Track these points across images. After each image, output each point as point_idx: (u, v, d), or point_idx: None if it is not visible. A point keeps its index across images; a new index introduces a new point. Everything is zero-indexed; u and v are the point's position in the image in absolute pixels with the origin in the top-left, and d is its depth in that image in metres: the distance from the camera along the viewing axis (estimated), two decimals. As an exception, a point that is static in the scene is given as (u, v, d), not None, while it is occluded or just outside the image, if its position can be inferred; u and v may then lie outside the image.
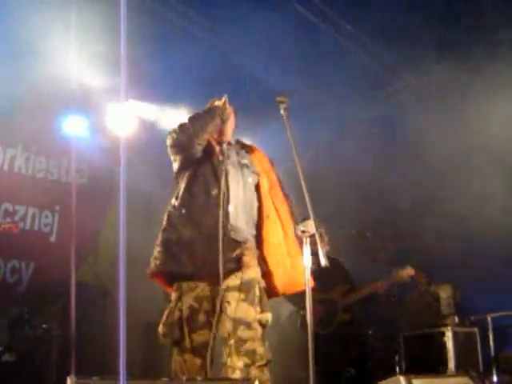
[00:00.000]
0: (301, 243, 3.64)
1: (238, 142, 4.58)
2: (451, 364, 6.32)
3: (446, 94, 8.51)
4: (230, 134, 4.48)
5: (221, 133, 4.42)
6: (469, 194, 7.79)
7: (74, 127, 7.98)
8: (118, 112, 7.98)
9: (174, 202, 4.21)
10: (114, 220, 8.17)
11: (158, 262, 4.09)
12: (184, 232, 4.07)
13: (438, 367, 6.33)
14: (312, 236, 3.50)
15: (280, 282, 4.17)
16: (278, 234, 4.20)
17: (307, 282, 3.53)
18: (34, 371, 6.20)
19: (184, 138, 4.19)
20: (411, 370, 6.31)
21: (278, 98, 3.97)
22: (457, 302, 7.48)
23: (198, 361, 3.95)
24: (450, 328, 6.61)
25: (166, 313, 4.09)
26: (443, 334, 6.55)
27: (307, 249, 3.50)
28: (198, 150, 4.20)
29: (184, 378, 2.82)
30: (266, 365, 3.89)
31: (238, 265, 4.06)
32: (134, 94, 7.93)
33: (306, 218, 3.64)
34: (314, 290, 6.21)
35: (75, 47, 6.84)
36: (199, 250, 4.01)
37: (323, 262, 3.39)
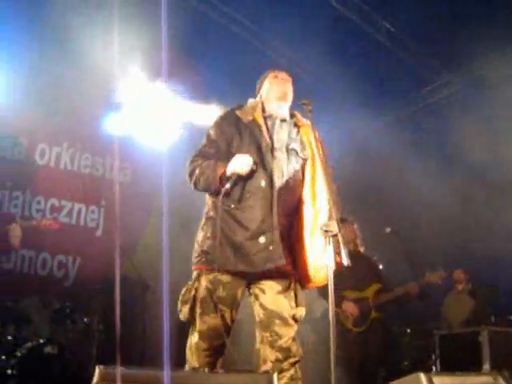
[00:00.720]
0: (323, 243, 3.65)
1: (292, 116, 4.24)
2: (486, 364, 6.29)
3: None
4: (285, 107, 4.21)
5: (278, 101, 4.20)
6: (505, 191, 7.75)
7: (117, 125, 8.17)
8: (160, 110, 8.11)
9: (221, 196, 3.93)
10: (156, 217, 8.30)
11: (210, 258, 3.92)
12: (235, 229, 3.91)
13: (473, 367, 6.30)
14: (335, 236, 3.54)
15: (305, 273, 3.98)
16: (308, 221, 3.96)
17: (330, 281, 3.55)
18: (75, 364, 6.34)
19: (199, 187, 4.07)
20: (446, 370, 6.31)
21: (302, 102, 3.97)
22: (493, 302, 7.44)
23: (204, 345, 3.90)
24: (486, 327, 6.58)
25: (183, 290, 4.04)
26: (479, 333, 6.52)
27: (330, 248, 3.54)
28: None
29: (206, 369, 2.89)
30: (298, 361, 3.88)
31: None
32: (176, 92, 8.05)
33: (329, 218, 3.69)
34: (348, 288, 6.39)
35: (118, 45, 6.96)
36: (250, 247, 3.86)
37: (345, 261, 3.43)
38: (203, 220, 4.12)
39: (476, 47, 7.59)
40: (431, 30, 7.72)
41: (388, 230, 6.81)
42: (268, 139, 4.05)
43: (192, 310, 3.95)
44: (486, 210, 8.09)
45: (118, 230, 7.40)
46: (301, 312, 3.99)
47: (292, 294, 3.99)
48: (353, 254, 5.68)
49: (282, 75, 4.34)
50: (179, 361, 4.11)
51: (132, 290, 7.48)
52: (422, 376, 3.40)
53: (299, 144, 4.14)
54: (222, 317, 3.93)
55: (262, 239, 3.87)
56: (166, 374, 2.83)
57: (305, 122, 4.20)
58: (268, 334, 3.88)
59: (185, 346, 4.04)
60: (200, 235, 4.07)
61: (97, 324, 6.85)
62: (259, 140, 4.03)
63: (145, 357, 6.99)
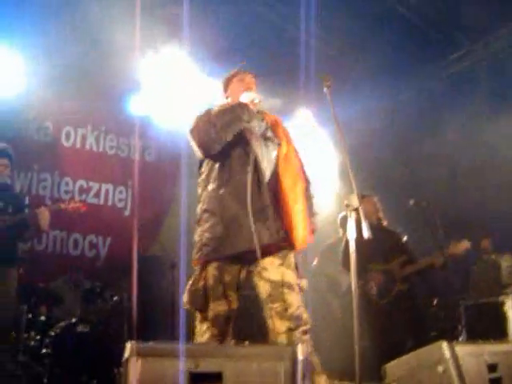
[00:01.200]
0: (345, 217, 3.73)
1: (259, 112, 4.41)
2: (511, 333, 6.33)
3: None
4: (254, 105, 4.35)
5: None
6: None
7: (140, 106, 8.25)
8: (182, 88, 8.16)
9: (211, 186, 4.16)
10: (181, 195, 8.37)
11: (209, 249, 4.03)
12: (227, 212, 4.03)
13: (498, 336, 6.32)
14: (356, 209, 3.60)
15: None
16: (288, 193, 4.12)
17: (352, 254, 3.62)
18: (107, 341, 6.44)
19: (205, 138, 4.10)
20: (472, 339, 6.34)
21: (322, 77, 4.02)
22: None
23: (216, 331, 3.99)
24: (510, 297, 6.59)
25: (190, 281, 4.13)
26: (504, 303, 6.54)
27: (351, 222, 3.61)
28: (217, 149, 4.12)
29: (232, 341, 2.98)
30: (309, 330, 3.94)
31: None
32: (202, 71, 8.10)
33: (349, 192, 3.74)
34: (373, 261, 6.42)
35: (139, 24, 7.01)
36: (245, 227, 3.97)
37: (366, 234, 3.49)
38: (198, 215, 4.21)
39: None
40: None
41: (412, 201, 6.80)
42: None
43: (203, 298, 4.04)
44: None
45: (136, 211, 7.53)
46: (304, 283, 4.10)
47: (293, 266, 4.10)
48: (376, 228, 5.76)
49: (248, 77, 4.49)
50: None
51: (160, 267, 7.59)
52: (445, 344, 3.46)
53: (270, 132, 4.33)
54: (231, 302, 4.06)
55: (257, 217, 3.97)
56: (183, 347, 2.92)
57: (271, 114, 4.46)
58: (278, 305, 3.94)
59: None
60: (198, 230, 4.15)
61: (127, 301, 6.98)
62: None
63: (174, 331, 7.10)
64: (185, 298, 4.12)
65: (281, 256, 4.07)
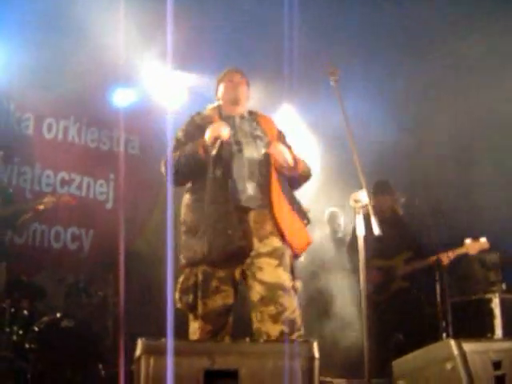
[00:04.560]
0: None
1: (251, 113, 4.50)
2: (498, 330, 6.36)
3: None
4: (241, 109, 4.46)
5: (233, 106, 4.44)
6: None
7: (123, 98, 8.17)
8: (165, 83, 8.10)
9: (187, 196, 4.24)
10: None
11: (190, 257, 4.08)
12: (200, 221, 4.05)
13: (485, 334, 6.37)
14: (365, 206, 3.59)
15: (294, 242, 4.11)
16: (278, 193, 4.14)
17: (360, 251, 3.61)
18: (91, 336, 6.41)
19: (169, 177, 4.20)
20: (458, 336, 6.37)
21: (329, 70, 4.03)
22: (504, 269, 7.47)
23: (209, 327, 3.96)
24: (497, 295, 6.63)
25: (180, 279, 4.12)
26: (491, 300, 6.58)
27: (360, 219, 3.60)
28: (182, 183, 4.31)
29: (247, 339, 2.95)
30: (302, 335, 3.90)
31: (252, 237, 4.04)
32: (181, 65, 8.03)
33: (359, 189, 3.73)
34: (375, 256, 6.39)
35: (123, 17, 6.94)
36: (218, 235, 3.96)
37: (376, 231, 3.48)
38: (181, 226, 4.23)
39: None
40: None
41: (403, 199, 6.83)
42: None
43: (195, 295, 4.01)
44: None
45: (121, 204, 7.47)
46: (298, 284, 4.06)
47: (289, 267, 4.05)
48: (387, 222, 5.69)
49: (237, 78, 4.53)
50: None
51: (145, 262, 7.53)
52: (452, 342, 3.48)
53: (261, 132, 4.34)
54: (225, 297, 4.02)
55: (220, 224, 3.95)
56: (199, 344, 2.87)
57: (264, 115, 4.54)
58: (272, 308, 3.87)
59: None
60: (182, 239, 4.18)
61: (112, 296, 6.91)
62: None
63: (160, 326, 7.04)
64: (176, 296, 4.09)
65: (278, 257, 4.01)
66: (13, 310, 6.27)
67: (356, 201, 3.62)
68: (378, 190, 6.78)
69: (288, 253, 4.07)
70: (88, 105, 8.43)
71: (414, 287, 6.83)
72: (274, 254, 4.00)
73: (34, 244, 7.85)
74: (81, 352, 6.15)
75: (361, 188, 3.66)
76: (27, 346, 6.02)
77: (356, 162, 3.69)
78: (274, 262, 3.98)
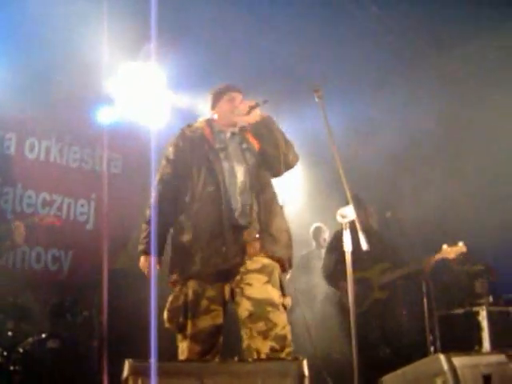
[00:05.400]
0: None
1: (242, 129, 4.44)
2: (486, 343, 6.36)
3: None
4: (235, 122, 4.42)
5: (228, 126, 4.43)
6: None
7: (106, 116, 8.12)
8: (151, 101, 8.08)
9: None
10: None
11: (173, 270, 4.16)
12: (188, 236, 4.10)
13: (472, 347, 6.36)
14: (352, 222, 3.59)
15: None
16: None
17: (348, 265, 3.60)
18: (77, 357, 6.34)
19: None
20: (446, 350, 6.36)
21: (314, 89, 4.03)
22: (491, 281, 7.47)
23: (198, 348, 3.94)
24: (484, 307, 6.63)
25: (170, 298, 4.12)
26: (478, 313, 6.58)
27: (347, 234, 3.59)
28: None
29: (236, 358, 2.92)
30: (292, 352, 3.86)
31: (244, 254, 4.04)
32: (169, 83, 8.01)
33: (345, 204, 3.72)
34: (353, 268, 6.36)
35: (106, 36, 6.92)
36: (206, 251, 4.01)
37: (364, 246, 3.48)
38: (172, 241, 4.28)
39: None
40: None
41: (388, 214, 6.84)
42: (216, 149, 4.26)
43: (184, 315, 4.00)
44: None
45: (106, 223, 7.39)
46: (288, 302, 4.04)
47: (278, 283, 4.03)
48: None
49: (238, 97, 4.49)
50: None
51: (128, 280, 7.46)
52: (442, 357, 3.46)
53: (251, 144, 4.32)
54: (215, 317, 4.02)
55: (215, 241, 3.98)
56: (188, 365, 2.84)
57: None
58: (262, 324, 3.84)
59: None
60: (173, 254, 4.22)
61: (96, 317, 6.85)
62: (207, 152, 4.23)
63: (145, 346, 6.98)
64: (165, 316, 4.08)
65: (267, 274, 3.99)
66: (-3, 331, 6.22)
67: (343, 216, 3.61)
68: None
69: (277, 270, 4.05)
70: (71, 124, 8.34)
71: (397, 300, 6.83)
72: (263, 270, 3.98)
73: (14, 265, 7.74)
74: (66, 373, 6.09)
75: (347, 203, 3.65)
76: (11, 367, 5.94)
77: (341, 177, 3.68)
78: (264, 278, 3.96)
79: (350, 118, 8.38)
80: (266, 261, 4.02)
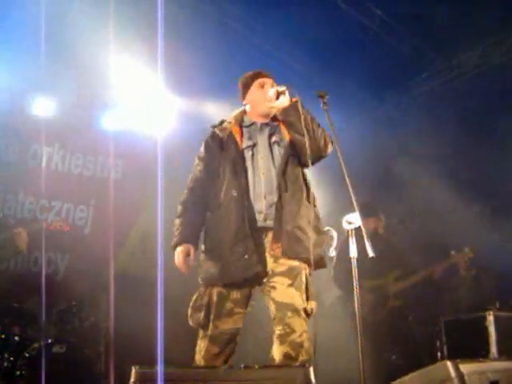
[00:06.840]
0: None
1: (274, 119, 4.37)
2: (493, 349, 6.31)
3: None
4: (268, 112, 4.35)
5: (261, 116, 4.37)
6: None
7: (110, 122, 8.14)
8: (156, 107, 8.08)
9: (208, 214, 4.27)
10: (150, 213, 8.23)
11: (207, 277, 4.12)
12: (215, 239, 4.12)
13: (479, 352, 6.33)
14: (357, 228, 3.58)
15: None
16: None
17: (354, 272, 3.59)
18: (83, 362, 6.31)
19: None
20: (453, 355, 6.33)
21: (319, 93, 3.99)
22: (498, 287, 7.45)
23: (216, 349, 3.95)
24: (491, 312, 6.59)
25: (195, 296, 4.13)
26: (485, 318, 6.54)
27: (353, 241, 3.59)
28: None
29: (242, 365, 2.91)
30: (309, 361, 3.82)
31: (266, 261, 4.03)
32: (172, 89, 8.01)
33: (351, 211, 3.70)
34: (365, 276, 6.33)
35: (110, 42, 6.93)
36: (234, 260, 3.97)
37: (371, 253, 3.46)
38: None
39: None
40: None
41: (396, 220, 6.83)
42: (242, 149, 4.22)
43: (206, 315, 4.00)
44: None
45: (112, 227, 7.41)
46: (312, 306, 3.99)
47: (303, 287, 4.00)
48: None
49: (268, 82, 4.41)
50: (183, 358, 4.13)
51: (129, 284, 7.47)
52: (449, 364, 3.44)
53: (281, 135, 4.26)
54: (237, 320, 4.02)
55: (237, 248, 3.95)
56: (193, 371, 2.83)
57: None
58: (280, 328, 3.85)
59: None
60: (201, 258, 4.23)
61: (102, 322, 6.85)
62: (233, 153, 4.19)
63: (152, 352, 6.96)
64: (189, 312, 4.11)
65: (293, 277, 3.97)
66: (3, 336, 6.21)
67: (349, 223, 3.60)
68: (362, 212, 6.76)
69: (304, 272, 4.03)
70: (74, 130, 8.36)
71: (407, 306, 6.81)
72: (288, 273, 3.97)
73: (16, 270, 7.78)
74: (72, 378, 6.08)
75: (353, 210, 3.64)
76: (18, 372, 5.94)
77: (348, 184, 3.67)
78: (287, 281, 3.95)
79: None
80: (293, 263, 3.99)
